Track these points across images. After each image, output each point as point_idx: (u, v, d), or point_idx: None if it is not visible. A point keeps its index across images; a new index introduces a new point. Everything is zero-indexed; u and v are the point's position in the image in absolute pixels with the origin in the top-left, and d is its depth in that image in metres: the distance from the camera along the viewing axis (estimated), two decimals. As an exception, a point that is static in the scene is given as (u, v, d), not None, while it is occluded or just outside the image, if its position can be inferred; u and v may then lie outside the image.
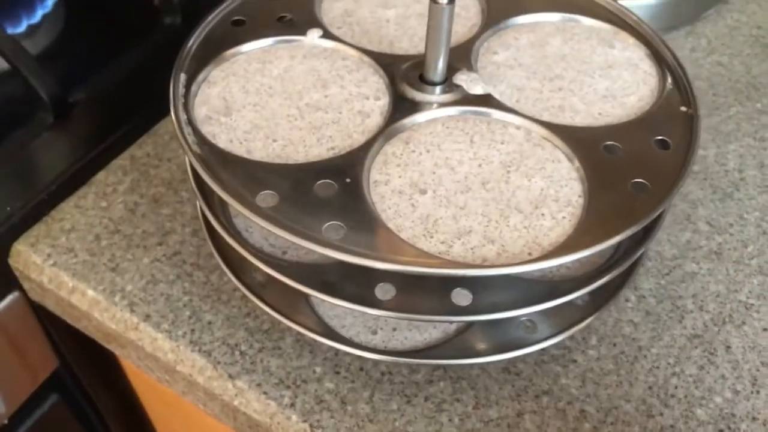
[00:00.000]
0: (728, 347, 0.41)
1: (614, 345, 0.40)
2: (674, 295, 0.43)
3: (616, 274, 0.34)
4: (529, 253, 0.30)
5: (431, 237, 0.31)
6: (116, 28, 0.57)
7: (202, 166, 0.32)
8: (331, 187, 0.32)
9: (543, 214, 0.32)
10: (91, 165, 0.48)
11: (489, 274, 0.29)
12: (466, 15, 0.42)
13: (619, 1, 0.55)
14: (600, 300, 0.38)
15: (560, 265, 0.34)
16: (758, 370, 0.40)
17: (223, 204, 0.36)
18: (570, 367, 0.39)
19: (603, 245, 0.30)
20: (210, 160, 0.33)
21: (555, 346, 0.39)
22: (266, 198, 0.32)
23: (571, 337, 0.40)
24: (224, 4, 0.41)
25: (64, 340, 0.52)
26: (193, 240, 0.45)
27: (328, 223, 0.31)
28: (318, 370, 0.39)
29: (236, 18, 0.41)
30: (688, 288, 0.43)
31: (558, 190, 0.33)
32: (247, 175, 0.33)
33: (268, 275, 0.33)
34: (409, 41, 0.40)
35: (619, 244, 0.33)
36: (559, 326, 0.37)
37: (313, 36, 0.40)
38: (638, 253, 0.35)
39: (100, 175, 0.48)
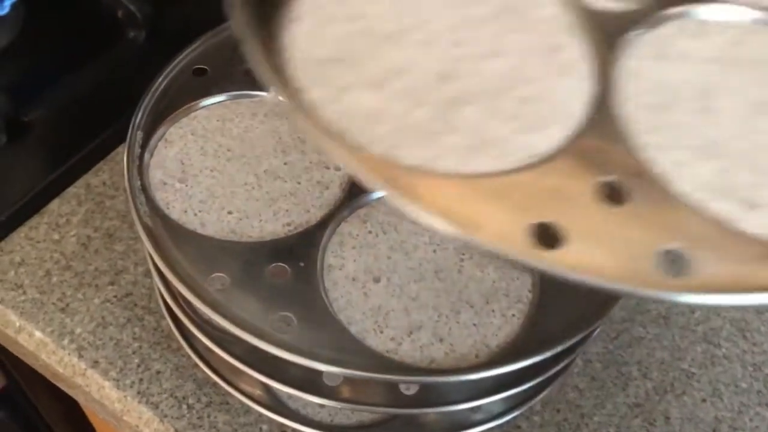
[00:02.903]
0: (667, 418, 0.42)
1: (558, 411, 0.41)
2: (620, 361, 0.44)
3: (565, 363, 0.35)
4: (476, 355, 0.31)
5: (381, 332, 0.31)
6: (77, 38, 0.55)
7: (151, 243, 0.32)
8: (284, 271, 0.32)
9: (493, 311, 0.32)
10: (44, 192, 0.47)
11: (433, 382, 0.29)
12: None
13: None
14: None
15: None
16: (694, 443, 0.41)
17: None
18: (513, 434, 0.40)
19: (546, 354, 0.30)
20: (161, 233, 0.33)
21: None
22: (217, 281, 0.31)
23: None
24: (187, 50, 0.40)
25: (12, 361, 0.51)
26: (146, 281, 0.44)
27: (277, 314, 0.31)
28: (264, 428, 0.39)
29: (198, 66, 0.40)
30: (634, 353, 0.44)
31: (509, 282, 0.33)
32: (199, 252, 0.32)
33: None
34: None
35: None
36: (508, 401, 0.38)
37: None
38: (588, 340, 0.36)
39: (54, 204, 0.47)
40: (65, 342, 0.42)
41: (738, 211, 0.24)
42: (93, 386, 0.41)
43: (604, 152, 0.24)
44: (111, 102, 0.51)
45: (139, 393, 0.40)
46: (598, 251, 0.22)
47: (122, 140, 0.50)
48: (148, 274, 0.44)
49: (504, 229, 0.21)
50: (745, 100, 0.26)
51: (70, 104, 0.51)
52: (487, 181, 0.23)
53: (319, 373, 0.32)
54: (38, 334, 0.42)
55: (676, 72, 0.27)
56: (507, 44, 0.26)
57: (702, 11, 0.29)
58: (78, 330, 0.42)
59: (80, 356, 0.41)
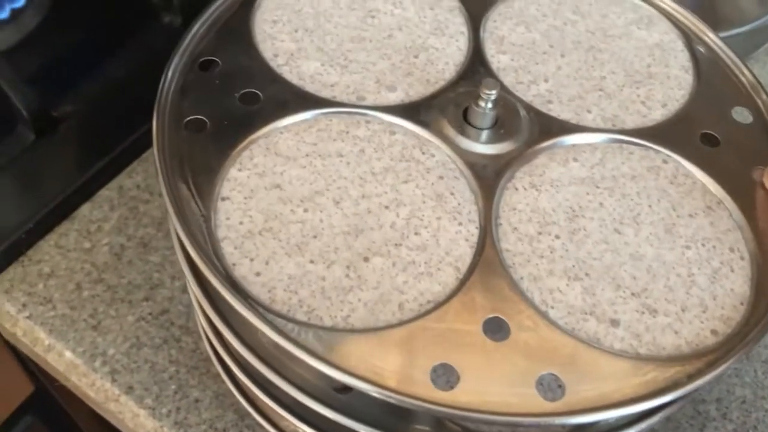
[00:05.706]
0: (750, 466, 0.38)
1: (629, 455, 0.38)
2: (697, 398, 0.40)
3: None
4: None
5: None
6: (108, 25, 0.51)
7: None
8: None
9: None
10: (75, 195, 0.44)
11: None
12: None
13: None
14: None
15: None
16: (780, 495, 0.37)
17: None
18: (580, 479, 0.37)
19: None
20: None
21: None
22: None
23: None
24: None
25: (40, 368, 0.49)
26: (183, 297, 0.41)
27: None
28: (312, 467, 0.36)
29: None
30: (712, 390, 0.40)
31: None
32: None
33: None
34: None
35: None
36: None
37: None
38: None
39: (85, 209, 0.44)
40: (97, 364, 0.39)
41: (603, 329, 0.27)
42: (127, 413, 0.38)
43: (489, 290, 0.27)
44: (146, 94, 0.47)
45: (176, 423, 0.37)
46: (488, 386, 0.25)
47: (157, 137, 0.47)
48: (185, 289, 0.41)
49: (409, 375, 0.25)
50: (607, 218, 0.31)
51: (102, 97, 0.47)
52: (392, 332, 0.26)
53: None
54: (68, 354, 0.39)
55: (548, 199, 0.31)
56: (403, 193, 0.30)
57: (567, 140, 0.33)
58: (111, 351, 0.39)
59: (113, 380, 0.38)
